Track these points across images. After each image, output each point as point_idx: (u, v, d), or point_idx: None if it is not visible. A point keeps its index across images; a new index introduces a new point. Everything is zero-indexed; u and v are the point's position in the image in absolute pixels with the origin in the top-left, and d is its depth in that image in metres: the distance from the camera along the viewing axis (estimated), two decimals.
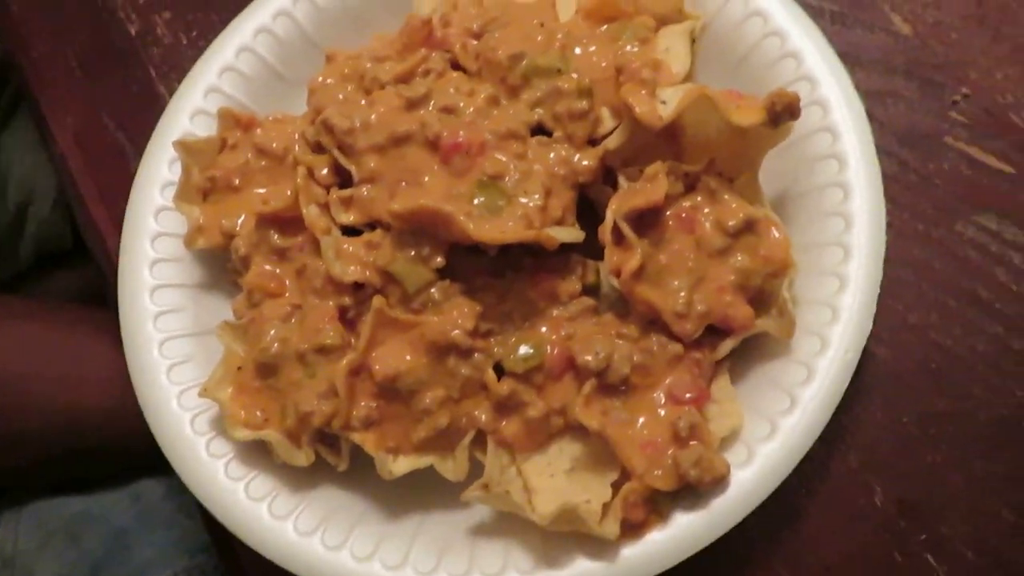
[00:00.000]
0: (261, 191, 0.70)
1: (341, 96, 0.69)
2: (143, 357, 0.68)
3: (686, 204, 0.60)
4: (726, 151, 0.63)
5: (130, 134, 0.85)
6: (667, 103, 0.60)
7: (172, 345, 0.69)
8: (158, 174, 0.74)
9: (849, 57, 0.71)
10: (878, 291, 0.59)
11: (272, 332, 0.63)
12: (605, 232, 0.59)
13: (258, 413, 0.63)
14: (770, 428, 0.58)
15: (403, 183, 0.63)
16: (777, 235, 0.60)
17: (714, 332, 0.60)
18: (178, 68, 0.86)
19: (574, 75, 0.64)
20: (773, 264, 0.60)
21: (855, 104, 0.65)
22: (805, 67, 0.67)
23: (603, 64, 0.65)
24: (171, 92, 0.84)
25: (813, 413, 0.57)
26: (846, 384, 0.58)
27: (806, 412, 0.57)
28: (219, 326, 0.66)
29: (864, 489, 0.62)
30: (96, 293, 0.90)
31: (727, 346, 0.60)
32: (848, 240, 0.61)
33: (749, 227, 0.60)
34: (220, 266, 0.72)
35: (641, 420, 0.57)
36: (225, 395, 0.64)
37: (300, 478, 0.62)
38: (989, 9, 0.73)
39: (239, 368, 0.65)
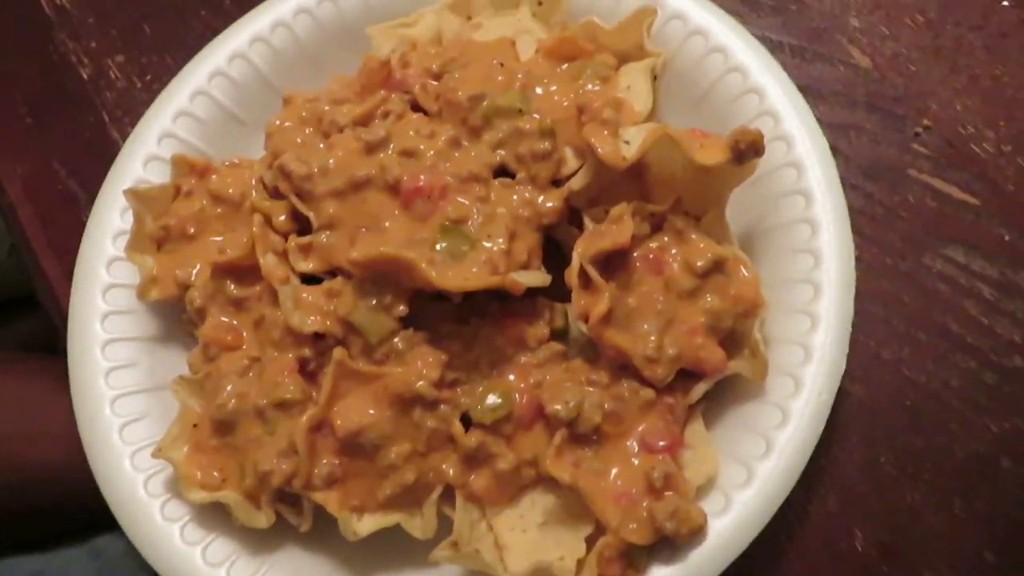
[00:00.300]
0: (217, 239, 0.68)
1: (299, 140, 0.68)
2: (94, 415, 0.65)
3: (653, 245, 0.59)
4: (692, 189, 0.62)
5: (82, 181, 0.82)
6: (630, 143, 0.59)
7: (125, 402, 0.66)
8: (110, 223, 0.71)
9: (810, 91, 0.71)
10: (850, 329, 0.58)
11: (229, 387, 0.60)
12: (572, 276, 0.58)
13: (215, 473, 0.61)
14: (746, 474, 0.56)
15: (363, 229, 0.61)
16: (746, 274, 0.59)
17: (686, 376, 0.59)
18: (132, 113, 0.84)
19: (535, 115, 0.63)
20: (743, 304, 0.58)
21: (818, 138, 0.65)
22: (767, 102, 0.66)
23: (564, 103, 0.64)
24: (125, 137, 0.80)
25: (790, 457, 0.56)
26: (822, 426, 0.56)
27: (783, 456, 0.56)
28: (174, 381, 0.63)
29: (845, 533, 0.61)
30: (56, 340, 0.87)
31: (700, 390, 0.58)
32: (817, 277, 0.60)
33: (718, 267, 0.58)
34: (175, 318, 0.69)
35: (614, 471, 0.56)
36: (180, 455, 0.61)
37: (261, 540, 0.60)
38: (945, 40, 0.74)
39: (195, 425, 0.62)
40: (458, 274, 0.57)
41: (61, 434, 0.83)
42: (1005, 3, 0.72)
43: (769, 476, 0.56)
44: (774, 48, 0.73)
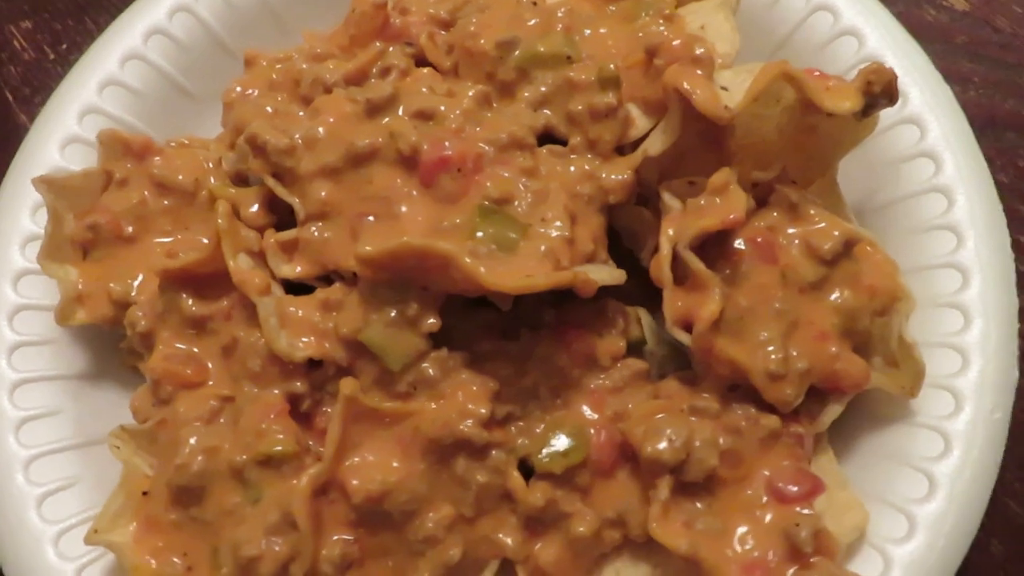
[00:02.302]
0: (164, 240, 0.53)
1: (270, 108, 0.53)
2: (1, 485, 0.50)
3: (760, 224, 0.45)
4: (791, 157, 0.49)
5: None
6: (729, 89, 0.45)
7: (44, 465, 0.51)
8: (17, 226, 0.56)
9: None
10: (1017, 324, 0.45)
11: (193, 439, 0.46)
12: (662, 268, 0.43)
13: (176, 560, 0.46)
14: (907, 523, 0.43)
15: (369, 217, 0.47)
16: (879, 258, 0.46)
17: (810, 395, 0.45)
18: (45, 90, 0.69)
19: (589, 62, 0.48)
20: (881, 298, 0.45)
21: (939, 87, 0.53)
22: (869, 46, 0.55)
23: (623, 49, 0.50)
24: None
25: (964, 497, 0.43)
26: (1000, 454, 0.44)
27: (954, 497, 0.43)
28: (114, 434, 0.48)
29: None
30: None
31: (832, 413, 0.45)
32: (962, 259, 0.49)
33: (846, 250, 0.45)
34: (111, 347, 0.54)
35: (740, 530, 0.41)
36: (126, 536, 0.46)
37: None
38: None
39: (145, 493, 0.47)
40: (512, 270, 0.42)
41: None
42: None
43: (938, 524, 0.43)
44: None
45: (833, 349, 0.44)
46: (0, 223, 0.55)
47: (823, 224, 0.45)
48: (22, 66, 0.69)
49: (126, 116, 0.59)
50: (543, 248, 0.43)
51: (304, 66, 0.54)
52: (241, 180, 0.55)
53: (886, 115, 0.51)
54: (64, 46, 0.70)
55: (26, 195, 0.55)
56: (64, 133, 0.57)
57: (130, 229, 0.53)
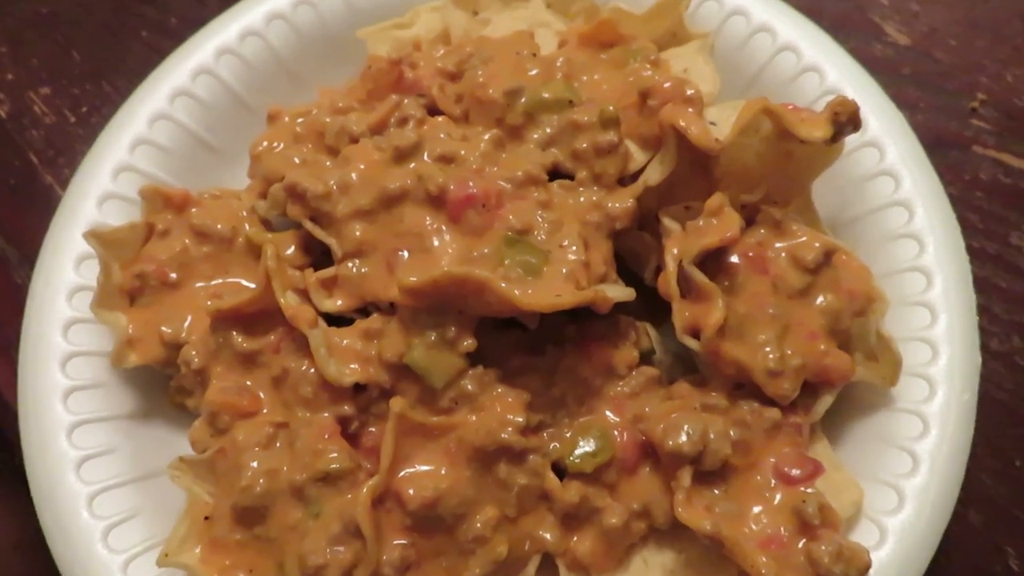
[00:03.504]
0: (209, 284, 0.56)
1: (297, 159, 0.57)
2: (68, 520, 0.52)
3: (751, 240, 0.51)
4: (771, 180, 0.54)
5: (11, 236, 0.68)
6: (717, 124, 0.51)
7: (106, 499, 0.53)
8: (62, 278, 0.58)
9: None
10: (976, 317, 0.52)
11: (254, 464, 0.48)
12: (670, 283, 0.49)
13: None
14: (896, 496, 0.48)
15: (403, 252, 0.51)
16: (855, 265, 0.52)
17: (805, 389, 0.50)
18: (68, 151, 0.71)
19: (590, 105, 0.54)
20: (859, 300, 0.51)
21: (892, 113, 0.59)
22: (829, 81, 0.61)
23: (617, 92, 0.56)
24: (61, 180, 0.69)
25: (944, 470, 0.48)
26: (971, 430, 0.49)
27: (935, 471, 0.48)
28: (173, 465, 0.50)
29: (996, 553, 0.53)
30: None
31: (825, 403, 0.50)
32: (926, 263, 0.54)
33: (827, 260, 0.51)
34: (157, 388, 0.57)
35: (755, 511, 0.46)
36: (194, 558, 0.48)
37: None
38: (979, 14, 0.70)
39: (206, 518, 0.49)
40: (542, 291, 0.47)
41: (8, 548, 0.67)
42: None
43: (923, 495, 0.48)
44: None
45: (822, 347, 0.49)
46: (47, 276, 0.57)
47: (805, 238, 0.51)
48: (44, 129, 0.71)
49: (157, 172, 0.61)
50: (564, 271, 0.48)
51: (327, 119, 0.58)
52: (266, 226, 0.59)
53: (850, 140, 0.57)
54: (84, 109, 0.72)
55: (69, 249, 0.58)
56: (100, 190, 0.60)
57: (174, 276, 0.55)
